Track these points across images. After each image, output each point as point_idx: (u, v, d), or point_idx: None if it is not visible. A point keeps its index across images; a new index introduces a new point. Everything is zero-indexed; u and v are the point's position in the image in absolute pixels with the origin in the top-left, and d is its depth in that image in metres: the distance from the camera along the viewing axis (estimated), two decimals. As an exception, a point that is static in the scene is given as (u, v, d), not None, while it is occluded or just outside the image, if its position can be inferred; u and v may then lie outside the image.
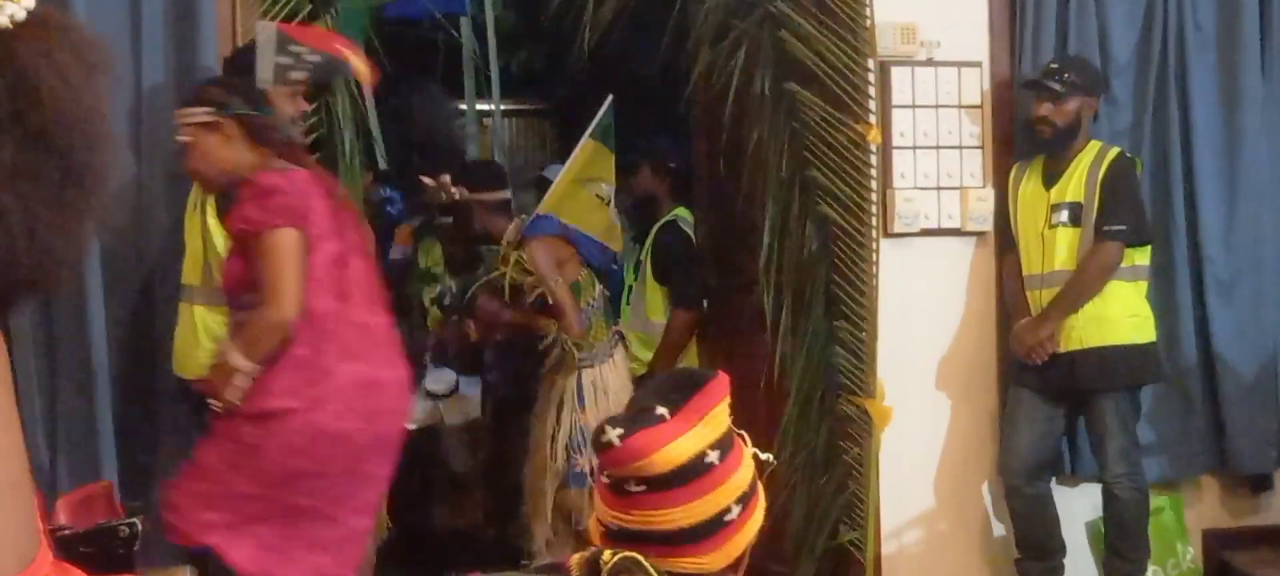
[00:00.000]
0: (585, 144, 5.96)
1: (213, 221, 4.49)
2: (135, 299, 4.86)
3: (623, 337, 5.94)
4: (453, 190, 6.04)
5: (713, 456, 2.04)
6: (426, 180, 6.25)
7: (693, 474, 2.01)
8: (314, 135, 5.06)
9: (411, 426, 6.12)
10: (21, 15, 1.33)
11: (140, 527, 4.00)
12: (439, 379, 6.37)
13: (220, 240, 4.47)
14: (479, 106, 10.08)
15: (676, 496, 2.01)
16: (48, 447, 4.74)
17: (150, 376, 4.86)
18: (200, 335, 4.55)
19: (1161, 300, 5.69)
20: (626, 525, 2.02)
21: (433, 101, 5.97)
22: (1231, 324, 5.81)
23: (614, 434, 1.99)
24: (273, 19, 4.88)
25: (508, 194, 6.11)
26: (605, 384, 5.71)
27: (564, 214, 5.85)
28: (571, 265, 5.82)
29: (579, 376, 5.68)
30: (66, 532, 3.87)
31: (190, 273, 4.60)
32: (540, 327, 5.74)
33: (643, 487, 2.01)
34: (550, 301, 5.67)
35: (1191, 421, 5.84)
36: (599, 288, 5.90)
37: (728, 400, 2.09)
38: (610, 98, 6.03)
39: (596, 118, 6.02)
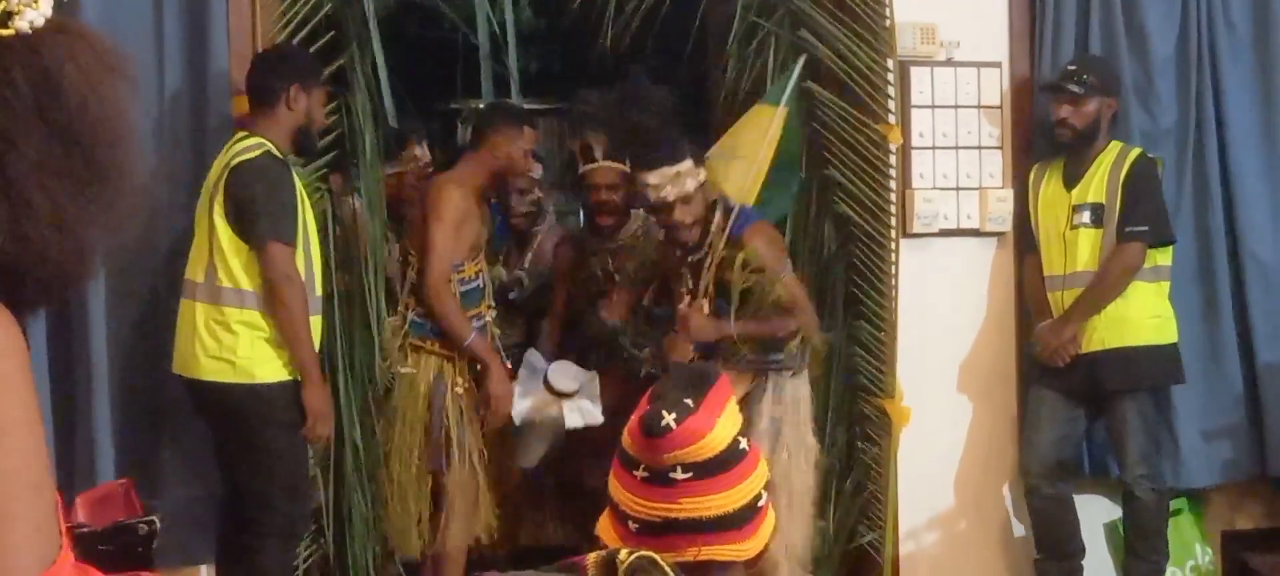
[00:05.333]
0: (780, 113, 5.18)
1: (220, 220, 4.51)
2: (141, 300, 4.85)
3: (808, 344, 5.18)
4: (699, 175, 5.01)
5: (743, 443, 2.13)
6: (643, 176, 5.11)
7: (733, 459, 2.10)
8: (333, 134, 5.08)
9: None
10: (40, 21, 1.36)
11: (158, 525, 4.02)
12: (565, 373, 5.57)
13: (226, 238, 4.50)
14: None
15: (721, 481, 2.08)
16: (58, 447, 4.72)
17: (154, 377, 4.84)
18: (201, 332, 4.55)
19: (1202, 301, 5.68)
20: (674, 515, 2.08)
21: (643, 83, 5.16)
22: (1273, 323, 5.75)
23: (671, 418, 2.05)
24: (291, 23, 4.90)
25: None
26: (795, 391, 5.09)
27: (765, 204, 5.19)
28: (786, 262, 5.12)
29: (775, 379, 5.04)
30: (85, 530, 3.89)
31: (194, 269, 4.59)
32: (782, 331, 4.96)
33: (689, 475, 2.07)
34: (783, 299, 4.92)
35: (1232, 423, 5.77)
36: None
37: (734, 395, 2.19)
38: (804, 57, 5.32)
39: (789, 81, 5.23)
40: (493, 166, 5.44)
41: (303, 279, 4.59)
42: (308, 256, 4.64)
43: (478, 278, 5.46)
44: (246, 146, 4.57)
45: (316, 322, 4.71)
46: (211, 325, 4.54)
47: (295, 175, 4.67)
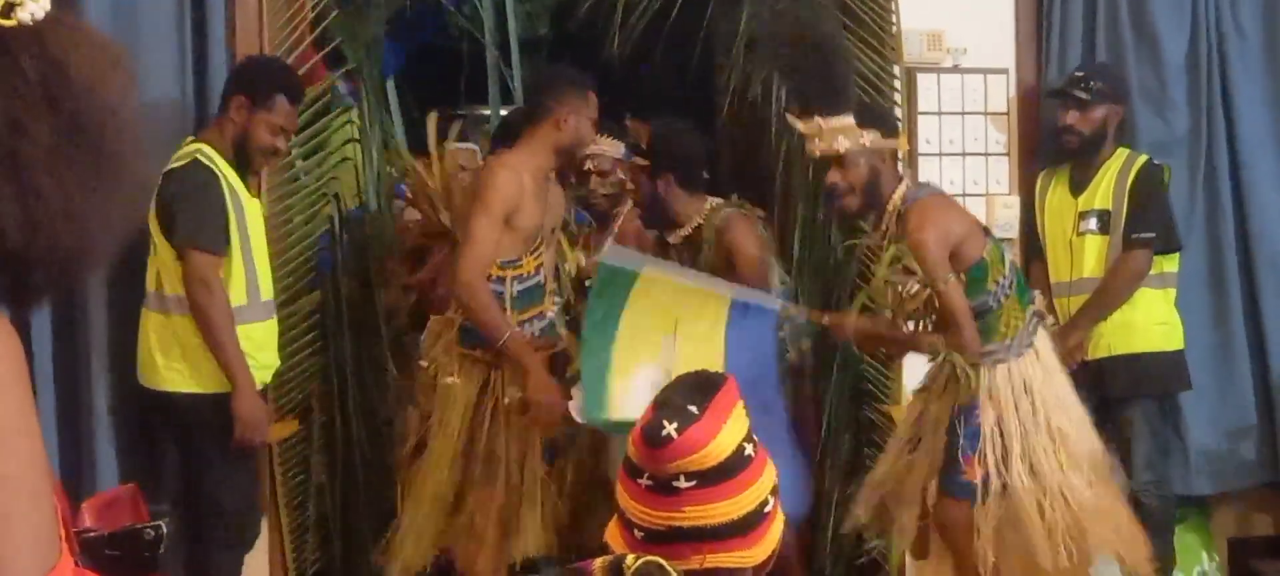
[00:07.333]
0: None
1: (154, 227, 4.46)
2: (133, 302, 4.75)
3: (1042, 318, 4.73)
4: (863, 137, 4.47)
5: (749, 449, 2.12)
6: (798, 123, 4.60)
7: (738, 466, 2.09)
8: (347, 142, 5.08)
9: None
10: (41, 14, 1.36)
11: (166, 530, 4.01)
12: None
13: (162, 247, 4.46)
14: (502, 112, 10.16)
15: (725, 489, 2.07)
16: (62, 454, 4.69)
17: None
18: (155, 342, 4.52)
19: (1213, 307, 5.65)
20: (677, 523, 2.07)
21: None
22: None
23: (672, 428, 2.05)
24: (300, 21, 4.90)
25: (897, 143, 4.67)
26: (1027, 379, 4.55)
27: None
28: (973, 241, 4.53)
29: (989, 375, 4.52)
30: (92, 535, 3.89)
31: (149, 277, 4.57)
32: (924, 348, 4.58)
33: (693, 482, 2.07)
34: (938, 307, 4.46)
35: (1244, 430, 5.73)
36: (1009, 259, 4.69)
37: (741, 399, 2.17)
38: None
39: None
40: (556, 142, 4.86)
41: (247, 284, 4.54)
42: (248, 262, 4.56)
43: (538, 273, 4.92)
44: (181, 154, 4.52)
45: (271, 328, 4.68)
46: (164, 334, 4.51)
47: (229, 182, 4.52)
